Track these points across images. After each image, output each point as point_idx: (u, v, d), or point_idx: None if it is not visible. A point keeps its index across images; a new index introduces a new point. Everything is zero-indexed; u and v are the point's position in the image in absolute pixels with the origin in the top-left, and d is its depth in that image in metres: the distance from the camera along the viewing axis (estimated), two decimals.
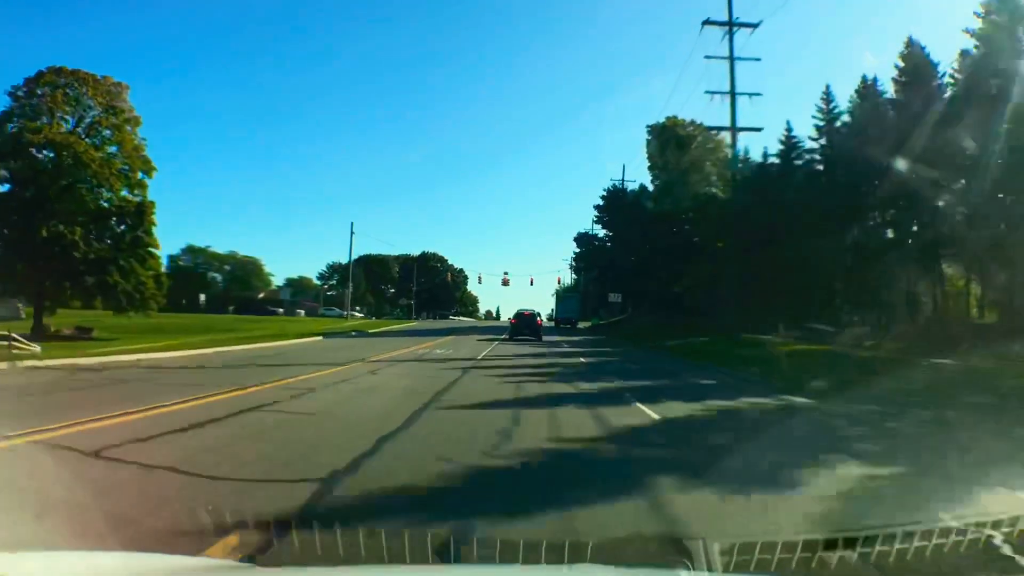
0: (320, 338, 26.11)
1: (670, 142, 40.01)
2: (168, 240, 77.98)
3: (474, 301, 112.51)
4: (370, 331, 34.61)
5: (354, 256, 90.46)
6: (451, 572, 2.83)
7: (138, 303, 22.99)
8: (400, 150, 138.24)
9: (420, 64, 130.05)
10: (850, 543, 3.01)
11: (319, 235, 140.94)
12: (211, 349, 17.61)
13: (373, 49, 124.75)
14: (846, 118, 25.76)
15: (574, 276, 73.36)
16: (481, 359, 17.79)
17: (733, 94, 28.90)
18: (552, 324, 48.69)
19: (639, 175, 62.01)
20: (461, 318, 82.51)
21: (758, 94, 30.73)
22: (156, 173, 24.71)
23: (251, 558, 2.83)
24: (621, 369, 16.17)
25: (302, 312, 60.67)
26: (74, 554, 2.37)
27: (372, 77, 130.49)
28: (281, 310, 60.77)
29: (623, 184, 49.00)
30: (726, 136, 33.42)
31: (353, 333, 31.47)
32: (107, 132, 23.83)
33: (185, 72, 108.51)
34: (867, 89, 25.04)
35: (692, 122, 39.49)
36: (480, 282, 70.74)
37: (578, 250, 53.95)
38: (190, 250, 74.29)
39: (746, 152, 31.89)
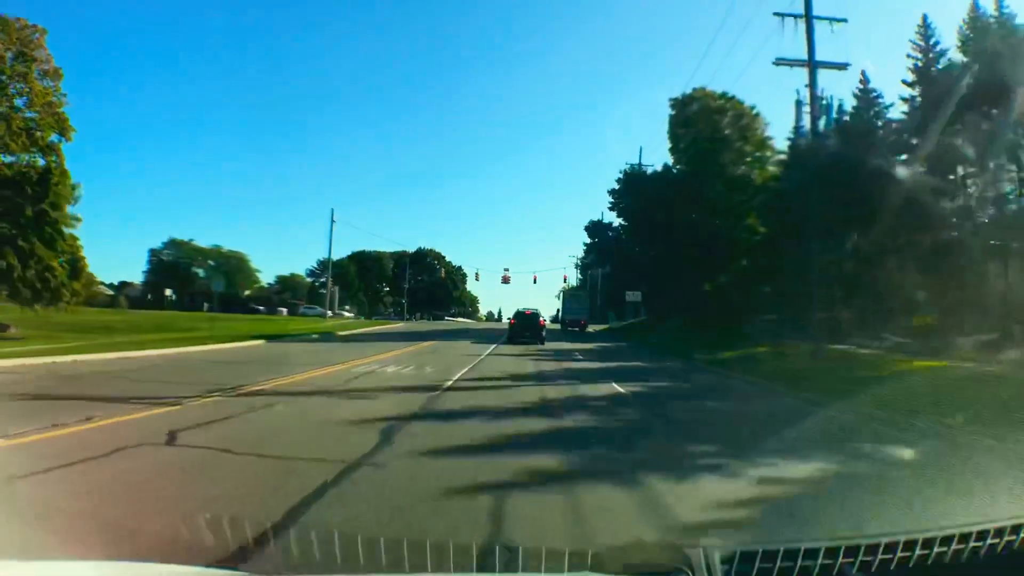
0: (263, 342, 21.47)
1: (697, 116, 35.46)
2: (155, 233, 77.35)
3: (474, 301, 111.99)
4: (340, 333, 30.36)
5: (348, 252, 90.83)
6: None
7: (44, 294, 19.54)
8: (399, 143, 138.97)
9: (419, 56, 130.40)
10: (852, 551, 3.10)
11: (315, 231, 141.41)
12: (98, 355, 14.15)
13: (371, 41, 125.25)
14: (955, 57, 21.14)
15: (580, 277, 70.24)
16: (450, 386, 11.35)
17: (809, 18, 19.53)
18: (558, 327, 45.70)
19: (657, 158, 59.55)
20: (459, 319, 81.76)
21: (842, 20, 20.29)
22: (75, 135, 21.37)
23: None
24: (719, 416, 9.95)
25: (284, 311, 59.97)
26: (56, 563, 2.42)
27: (370, 69, 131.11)
28: (262, 308, 60.24)
29: (640, 167, 43.19)
30: (763, 113, 30.14)
31: (315, 336, 27.35)
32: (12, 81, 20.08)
33: (180, 68, 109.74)
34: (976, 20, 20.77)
35: (724, 94, 35.44)
36: (477, 279, 67.11)
37: (589, 241, 50.17)
38: (172, 244, 73.95)
39: (826, 104, 23.72)
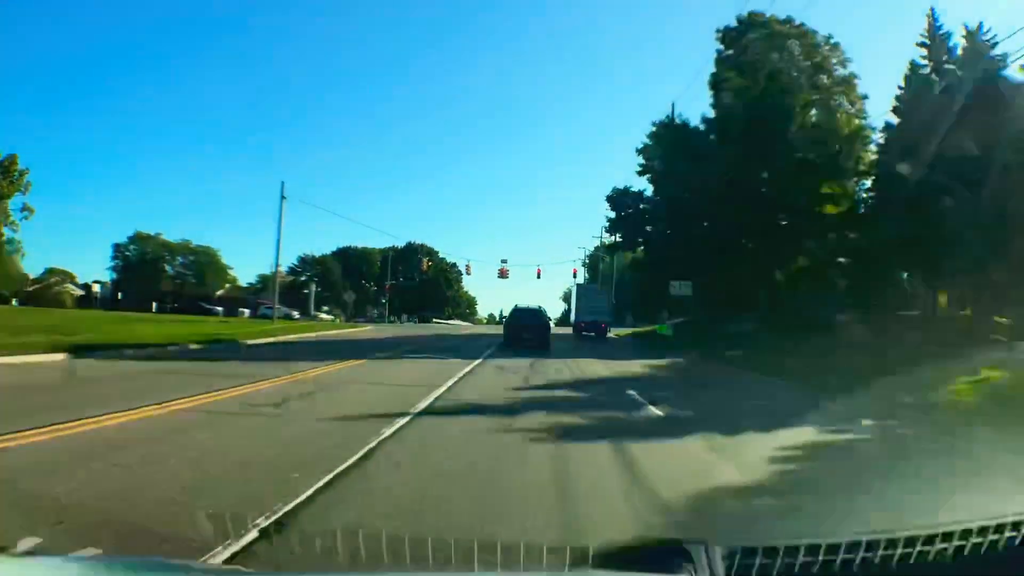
0: (65, 357, 13.88)
1: (757, 48, 29.80)
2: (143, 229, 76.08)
3: (471, 302, 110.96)
4: (248, 343, 21.60)
5: (335, 247, 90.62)
6: None
7: None
8: (390, 130, 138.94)
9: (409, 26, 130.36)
10: (853, 547, 3.36)
11: (305, 227, 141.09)
12: None
13: (359, 27, 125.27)
14: None
15: (587, 276, 65.25)
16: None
17: None
18: (568, 332, 39.97)
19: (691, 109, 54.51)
20: (453, 322, 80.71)
21: None
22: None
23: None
24: None
25: (246, 312, 57.05)
26: (57, 559, 2.64)
27: (357, 52, 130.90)
28: (220, 309, 57.39)
29: (675, 120, 35.15)
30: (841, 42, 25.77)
31: (194, 347, 18.43)
32: None
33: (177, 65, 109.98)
34: None
35: (788, 20, 30.13)
36: (468, 273, 59.25)
37: (612, 215, 38.81)
38: (139, 238, 73.65)
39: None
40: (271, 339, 23.89)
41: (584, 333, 36.91)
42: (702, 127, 33.24)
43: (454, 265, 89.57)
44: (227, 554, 3.38)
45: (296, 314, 54.38)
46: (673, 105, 37.15)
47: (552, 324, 29.11)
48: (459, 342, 28.61)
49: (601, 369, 17.40)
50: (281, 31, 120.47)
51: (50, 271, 76.81)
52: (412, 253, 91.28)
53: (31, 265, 64.02)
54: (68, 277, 77.55)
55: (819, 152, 27.32)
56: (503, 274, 53.32)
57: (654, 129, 35.22)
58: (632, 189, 38.58)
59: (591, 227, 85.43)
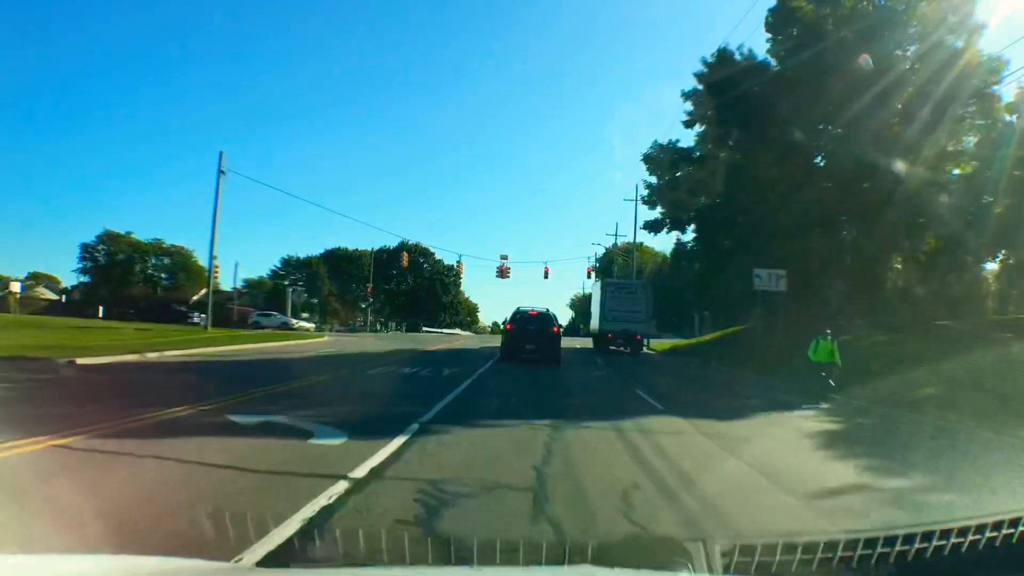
0: None
1: None
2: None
3: (472, 309, 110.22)
4: (93, 361, 16.16)
5: (323, 249, 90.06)
6: (452, 573, 3.54)
7: None
8: (388, 128, 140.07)
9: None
10: (851, 545, 3.71)
11: (295, 227, 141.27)
12: None
13: (359, 26, 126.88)
14: None
15: (596, 280, 62.09)
16: None
17: None
18: (584, 342, 35.44)
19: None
20: (449, 330, 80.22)
21: None
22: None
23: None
24: None
25: (198, 319, 55.18)
26: (67, 557, 2.98)
27: (358, 51, 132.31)
28: (199, 315, 55.84)
29: (729, 52, 28.32)
30: None
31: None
32: None
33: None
34: None
35: None
36: (460, 270, 53.17)
37: (653, 181, 32.58)
38: (108, 237, 73.65)
39: None
40: (132, 358, 17.87)
41: (615, 346, 31.57)
42: (773, 62, 27.16)
43: (451, 268, 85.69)
44: None
45: (203, 322, 51.42)
46: (723, 48, 28.90)
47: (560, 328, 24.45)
48: (442, 358, 23.31)
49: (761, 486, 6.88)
50: (279, 31, 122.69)
51: (33, 275, 77.63)
52: (405, 254, 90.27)
53: (14, 269, 63.74)
54: (52, 281, 78.43)
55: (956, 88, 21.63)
56: (503, 273, 49.07)
57: (709, 64, 28.46)
58: (678, 144, 31.28)
59: (602, 226, 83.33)
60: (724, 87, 26.76)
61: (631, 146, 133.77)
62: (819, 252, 24.78)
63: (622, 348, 31.57)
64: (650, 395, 14.31)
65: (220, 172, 32.80)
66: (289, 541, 3.89)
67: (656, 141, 32.36)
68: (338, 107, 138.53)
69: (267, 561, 3.58)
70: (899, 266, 26.33)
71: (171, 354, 19.58)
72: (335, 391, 13.45)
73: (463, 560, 3.61)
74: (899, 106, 23.52)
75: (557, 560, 3.63)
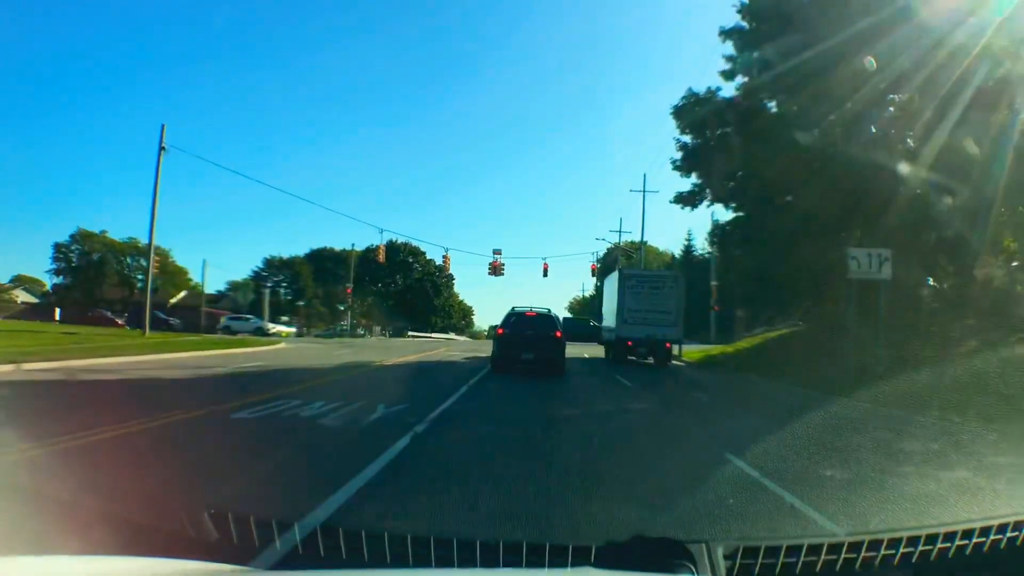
0: None
1: None
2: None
3: (467, 312, 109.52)
4: None
5: (306, 249, 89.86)
6: (453, 575, 3.67)
7: None
8: (381, 125, 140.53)
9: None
10: (855, 547, 3.86)
11: (286, 226, 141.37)
12: None
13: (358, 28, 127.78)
14: None
15: (598, 284, 60.92)
16: None
17: None
18: (590, 347, 32.96)
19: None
20: (440, 335, 79.86)
21: None
22: None
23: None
24: None
25: (174, 323, 53.33)
26: (70, 559, 3.10)
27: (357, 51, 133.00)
28: (175, 320, 55.40)
29: None
30: None
31: None
32: None
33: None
34: None
35: None
36: (446, 262, 46.13)
37: (687, 141, 27.45)
38: (82, 236, 73.43)
39: None
40: None
41: (635, 356, 27.20)
42: None
43: (442, 269, 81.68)
44: None
45: (233, 325, 51.55)
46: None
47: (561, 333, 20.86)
48: (364, 393, 13.12)
49: None
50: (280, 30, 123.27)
51: (17, 278, 77.39)
52: (392, 254, 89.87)
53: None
54: (37, 284, 78.34)
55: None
56: (495, 270, 45.61)
57: None
58: (719, 94, 26.06)
59: (604, 223, 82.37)
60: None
61: (639, 131, 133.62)
62: (919, 247, 20.58)
63: (648, 359, 26.90)
64: (761, 471, 7.04)
65: (161, 148, 31.76)
66: None
67: (691, 89, 26.94)
68: (338, 107, 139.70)
69: None
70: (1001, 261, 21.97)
71: (42, 366, 15.41)
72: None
73: (463, 561, 3.73)
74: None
75: (560, 561, 3.76)
